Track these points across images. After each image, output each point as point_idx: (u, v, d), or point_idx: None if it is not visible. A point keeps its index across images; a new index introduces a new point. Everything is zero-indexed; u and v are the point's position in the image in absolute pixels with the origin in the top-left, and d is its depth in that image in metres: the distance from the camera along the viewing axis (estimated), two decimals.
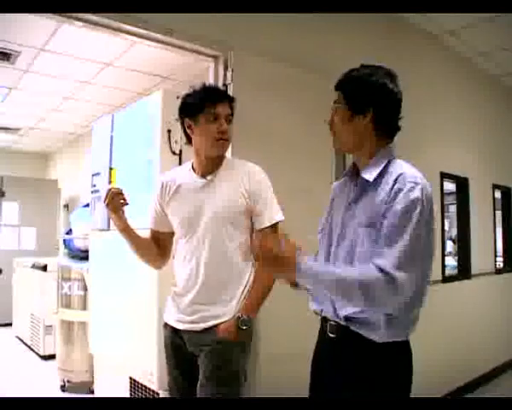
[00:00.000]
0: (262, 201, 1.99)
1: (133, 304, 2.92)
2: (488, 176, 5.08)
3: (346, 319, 1.56)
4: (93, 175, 3.45)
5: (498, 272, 5.22)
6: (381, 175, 1.54)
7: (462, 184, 4.65)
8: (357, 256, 1.54)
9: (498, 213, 5.50)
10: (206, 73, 2.71)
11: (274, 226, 2.01)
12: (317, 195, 2.93)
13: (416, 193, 1.45)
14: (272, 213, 2.01)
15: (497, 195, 5.39)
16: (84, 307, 4.06)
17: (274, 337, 2.56)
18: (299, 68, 2.86)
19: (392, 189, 1.48)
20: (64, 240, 4.97)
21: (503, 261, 5.55)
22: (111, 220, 3.13)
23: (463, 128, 4.72)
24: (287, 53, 2.86)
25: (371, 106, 1.57)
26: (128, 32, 2.40)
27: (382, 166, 1.56)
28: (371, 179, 1.55)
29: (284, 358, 2.52)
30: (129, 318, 2.96)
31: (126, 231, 2.05)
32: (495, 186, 5.19)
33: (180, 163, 2.78)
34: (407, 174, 1.49)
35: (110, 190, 1.98)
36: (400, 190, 1.46)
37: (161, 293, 2.60)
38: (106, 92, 5.56)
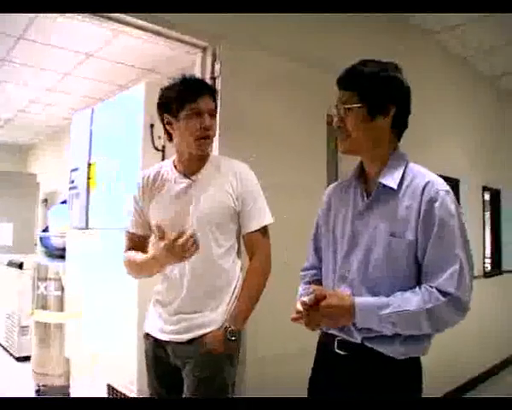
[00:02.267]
0: (251, 202, 1.86)
1: (112, 307, 2.78)
2: (478, 177, 5.00)
3: (364, 337, 1.45)
4: (71, 170, 3.31)
5: (487, 275, 5.15)
6: (401, 180, 1.46)
7: (453, 186, 4.55)
8: (373, 264, 1.45)
9: (487, 215, 5.43)
10: (193, 65, 2.56)
11: (263, 231, 1.88)
12: (309, 194, 2.83)
13: (452, 203, 1.39)
14: (261, 216, 1.88)
15: (487, 196, 5.32)
16: (61, 309, 3.87)
17: (259, 341, 2.44)
18: (293, 63, 2.72)
19: (421, 198, 1.40)
20: (41, 237, 4.77)
21: (491, 264, 5.48)
22: (85, 221, 3.05)
23: (454, 128, 4.63)
24: (280, 47, 2.71)
25: (393, 104, 1.46)
26: (112, 19, 2.23)
27: (402, 170, 1.47)
28: (395, 186, 1.45)
29: (270, 361, 2.42)
30: (107, 322, 2.82)
31: None
32: (484, 188, 5.12)
33: (163, 160, 2.64)
34: (435, 182, 1.42)
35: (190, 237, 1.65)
36: (434, 200, 1.38)
37: (141, 298, 2.46)
38: (87, 84, 5.36)
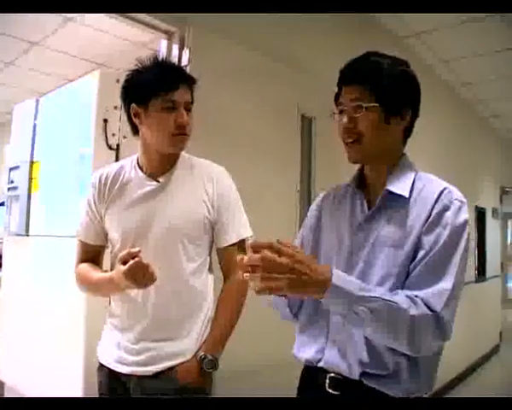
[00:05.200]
0: (229, 212, 1.60)
1: (55, 325, 2.45)
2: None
3: (364, 372, 1.21)
4: (11, 169, 2.96)
5: None
6: (411, 188, 1.27)
7: None
8: (373, 281, 1.23)
9: None
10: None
11: (241, 244, 1.62)
12: (278, 201, 2.63)
13: (465, 214, 1.20)
14: (240, 228, 1.62)
15: None
16: None
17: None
18: (265, 57, 2.51)
19: (434, 204, 1.20)
20: None
21: None
22: (29, 224, 2.71)
23: (417, 137, 4.56)
24: (252, 38, 2.50)
25: (410, 104, 1.28)
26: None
27: (412, 178, 1.28)
28: (406, 194, 1.25)
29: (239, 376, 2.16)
30: (49, 343, 2.48)
31: None
32: None
33: (117, 159, 2.34)
34: (452, 190, 1.23)
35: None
36: (446, 208, 1.19)
37: (90, 314, 2.17)
38: (31, 76, 4.96)
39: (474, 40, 4.02)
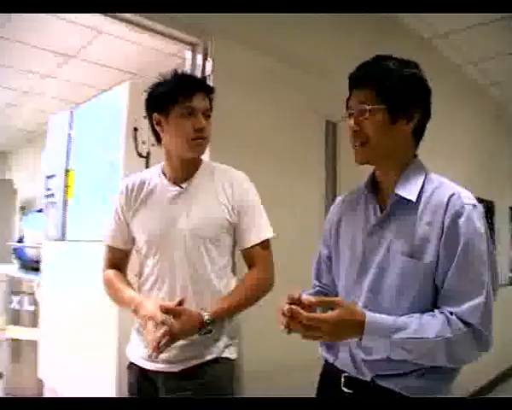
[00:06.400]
0: (249, 214, 1.66)
1: (90, 327, 2.53)
2: (473, 189, 4.85)
3: (377, 375, 1.26)
4: (47, 177, 3.08)
5: None
6: (420, 192, 1.27)
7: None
8: (386, 289, 1.26)
9: None
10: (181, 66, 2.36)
11: (263, 245, 1.67)
12: (303, 206, 2.66)
13: (479, 219, 1.20)
14: (261, 229, 1.67)
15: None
16: (35, 325, 3.61)
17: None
18: (287, 64, 2.55)
19: (445, 213, 1.21)
20: (14, 248, 4.49)
21: None
22: (66, 230, 2.82)
23: (448, 138, 4.50)
24: (272, 46, 2.53)
25: (418, 107, 1.28)
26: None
27: (421, 181, 1.29)
28: (414, 198, 1.25)
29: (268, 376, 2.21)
30: (84, 343, 2.57)
31: None
32: (479, 200, 4.97)
33: (147, 167, 2.43)
34: (461, 194, 1.23)
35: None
36: (458, 215, 1.19)
37: (123, 317, 2.20)
38: (68, 87, 5.13)
39: (501, 39, 3.95)
